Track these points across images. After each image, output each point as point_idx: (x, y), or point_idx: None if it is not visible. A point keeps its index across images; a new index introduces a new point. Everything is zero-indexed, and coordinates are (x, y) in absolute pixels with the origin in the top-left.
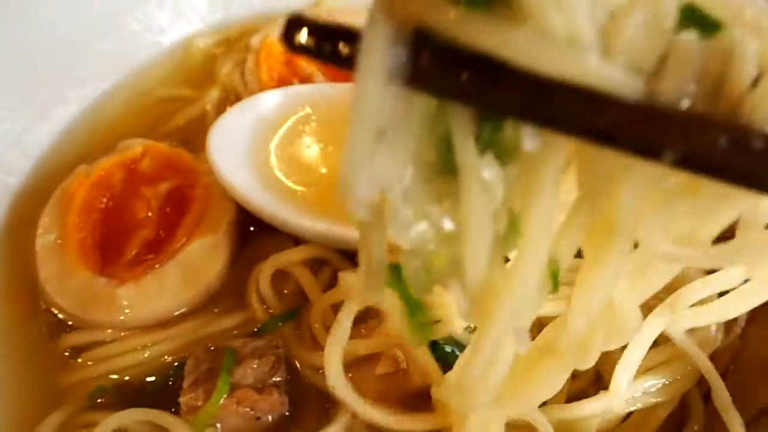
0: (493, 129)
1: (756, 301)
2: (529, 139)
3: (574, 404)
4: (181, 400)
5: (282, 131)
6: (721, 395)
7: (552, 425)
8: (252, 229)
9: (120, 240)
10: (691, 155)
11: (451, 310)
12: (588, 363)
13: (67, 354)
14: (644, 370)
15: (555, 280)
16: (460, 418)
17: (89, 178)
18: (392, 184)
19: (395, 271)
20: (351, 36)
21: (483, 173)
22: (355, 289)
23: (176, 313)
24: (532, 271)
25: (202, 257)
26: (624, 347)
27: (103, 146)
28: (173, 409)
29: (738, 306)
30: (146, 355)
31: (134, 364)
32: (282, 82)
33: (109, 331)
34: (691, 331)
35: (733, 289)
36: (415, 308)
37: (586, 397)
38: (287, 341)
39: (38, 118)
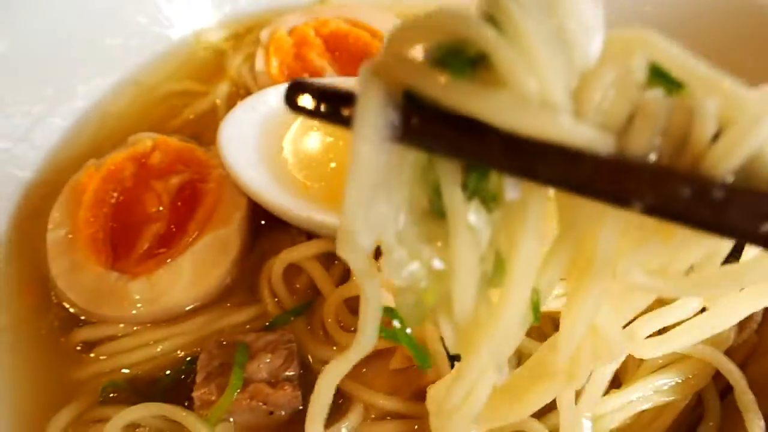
0: (478, 178)
1: (714, 330)
2: (512, 188)
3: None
4: (195, 394)
5: (292, 126)
6: (744, 398)
7: None
8: (263, 223)
9: (131, 234)
10: (658, 205)
11: None
12: (578, 383)
13: (79, 348)
14: (656, 368)
15: (536, 312)
16: None
17: (99, 172)
18: (387, 228)
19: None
20: (347, 98)
21: (470, 218)
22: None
23: (188, 308)
24: (516, 309)
25: (213, 251)
26: None
27: (112, 140)
28: (186, 404)
29: (696, 334)
30: (158, 349)
31: (146, 358)
32: (292, 76)
33: (121, 325)
34: None
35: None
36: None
37: None
38: (299, 335)
39: (47, 113)
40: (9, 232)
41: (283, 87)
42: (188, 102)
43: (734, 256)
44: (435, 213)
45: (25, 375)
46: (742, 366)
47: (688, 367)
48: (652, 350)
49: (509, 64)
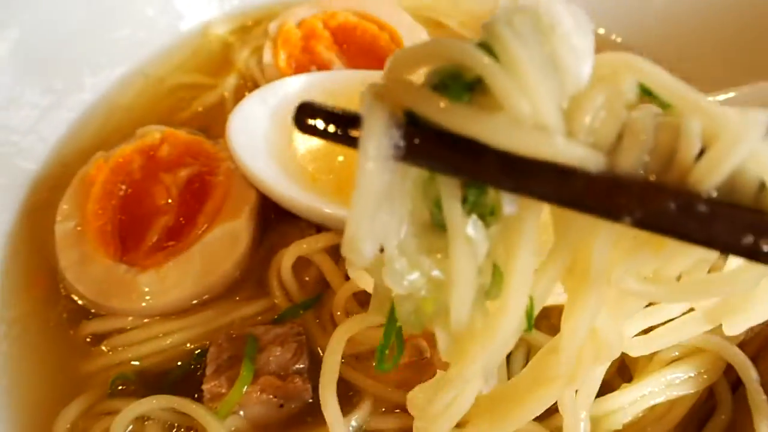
0: (477, 194)
1: (702, 329)
2: (509, 203)
3: (598, 400)
4: (205, 387)
5: None
6: (757, 398)
7: None
8: (272, 216)
9: (140, 227)
10: (646, 219)
11: None
12: (578, 384)
13: (88, 341)
14: (669, 361)
15: (530, 319)
16: None
17: (108, 164)
18: (389, 239)
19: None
20: (354, 120)
21: (468, 231)
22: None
23: (197, 301)
24: (512, 319)
25: (223, 244)
26: None
27: (120, 133)
28: (195, 396)
29: (684, 333)
30: (167, 342)
31: (155, 351)
32: (300, 69)
33: (130, 318)
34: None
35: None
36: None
37: (611, 389)
38: (309, 328)
39: (55, 105)
40: (17, 224)
41: (291, 79)
42: (196, 95)
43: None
44: (435, 225)
45: (34, 367)
46: (754, 359)
47: (701, 361)
48: (639, 349)
49: (504, 88)
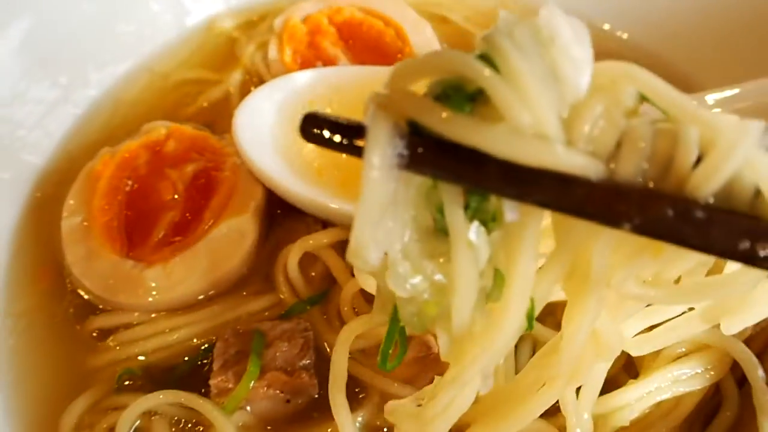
0: (479, 200)
1: (696, 329)
2: (510, 210)
3: (605, 397)
4: (212, 382)
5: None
6: (763, 398)
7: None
8: (278, 211)
9: (146, 222)
10: (645, 225)
11: None
12: (579, 382)
13: (94, 336)
14: (675, 357)
15: (530, 320)
16: None
17: (114, 160)
18: (393, 244)
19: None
20: (359, 129)
21: (470, 236)
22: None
23: (204, 296)
24: (513, 322)
25: (229, 240)
26: None
27: (125, 128)
28: (202, 392)
29: (682, 332)
30: (174, 337)
31: (162, 346)
32: (305, 65)
33: (137, 313)
34: None
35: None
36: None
37: (618, 385)
38: (315, 324)
39: (61, 100)
40: (23, 218)
41: (296, 74)
42: (201, 90)
43: None
44: (438, 231)
45: (40, 362)
46: (760, 354)
47: (707, 358)
48: (638, 349)
49: (505, 99)
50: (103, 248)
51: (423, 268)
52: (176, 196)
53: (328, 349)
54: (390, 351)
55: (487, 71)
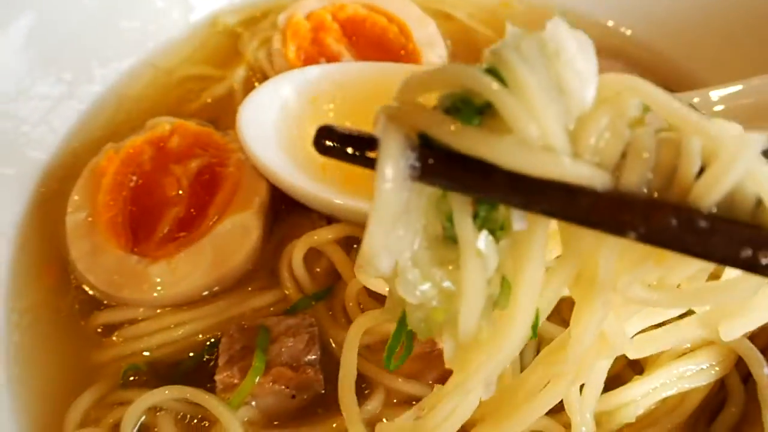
0: (488, 209)
1: (695, 334)
2: (518, 219)
3: (610, 393)
4: (217, 378)
5: (310, 110)
6: (766, 394)
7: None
8: (283, 207)
9: (151, 218)
10: (650, 234)
11: None
12: (583, 380)
13: (99, 331)
14: (680, 353)
15: (535, 330)
16: None
17: (118, 155)
18: (403, 251)
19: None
20: (370, 141)
21: (479, 245)
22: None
23: (208, 292)
24: (519, 330)
25: (234, 235)
26: None
27: (129, 124)
28: (208, 387)
29: (682, 335)
30: (179, 333)
31: (167, 342)
32: (309, 61)
33: (141, 309)
34: None
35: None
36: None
37: (623, 381)
38: (320, 320)
39: (65, 96)
40: (27, 214)
41: (300, 71)
42: (205, 86)
43: None
44: (447, 239)
45: (45, 357)
46: (765, 350)
47: (712, 354)
48: (637, 351)
49: (513, 113)
50: (107, 244)
51: (432, 275)
52: (181, 192)
53: (333, 345)
54: (396, 350)
55: (495, 85)
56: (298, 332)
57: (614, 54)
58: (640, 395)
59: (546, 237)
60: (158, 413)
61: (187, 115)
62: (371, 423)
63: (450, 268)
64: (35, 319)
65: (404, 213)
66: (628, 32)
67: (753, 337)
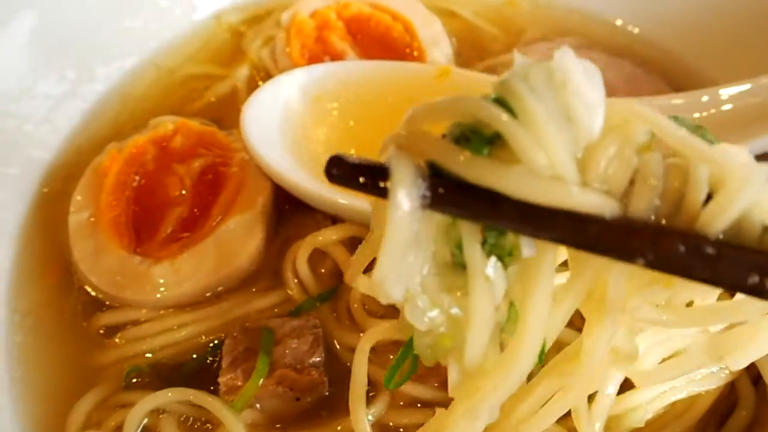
0: (496, 236)
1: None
2: (527, 246)
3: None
4: (221, 380)
5: (314, 109)
6: None
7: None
8: (287, 207)
9: (154, 218)
10: (658, 261)
11: None
12: (592, 389)
13: (101, 333)
14: None
15: (541, 356)
16: None
17: (121, 155)
18: (413, 278)
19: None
20: (380, 170)
21: (488, 271)
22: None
23: (212, 293)
24: (526, 357)
25: (238, 236)
26: None
27: (133, 123)
28: (211, 389)
29: (685, 369)
30: (182, 334)
31: (170, 343)
32: (313, 60)
33: (144, 310)
34: None
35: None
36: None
37: (632, 386)
38: (325, 321)
39: (68, 95)
40: (30, 214)
41: (304, 69)
42: (208, 85)
43: None
44: (456, 265)
45: (48, 358)
46: None
47: None
48: (644, 381)
49: (521, 143)
50: (110, 244)
51: (440, 301)
52: (184, 192)
53: (338, 347)
54: (398, 371)
55: (504, 116)
56: (303, 334)
57: (622, 53)
58: (649, 399)
59: (555, 263)
60: (161, 415)
61: (190, 114)
62: (377, 426)
63: (458, 294)
64: (38, 320)
65: (415, 242)
66: (636, 31)
67: None
